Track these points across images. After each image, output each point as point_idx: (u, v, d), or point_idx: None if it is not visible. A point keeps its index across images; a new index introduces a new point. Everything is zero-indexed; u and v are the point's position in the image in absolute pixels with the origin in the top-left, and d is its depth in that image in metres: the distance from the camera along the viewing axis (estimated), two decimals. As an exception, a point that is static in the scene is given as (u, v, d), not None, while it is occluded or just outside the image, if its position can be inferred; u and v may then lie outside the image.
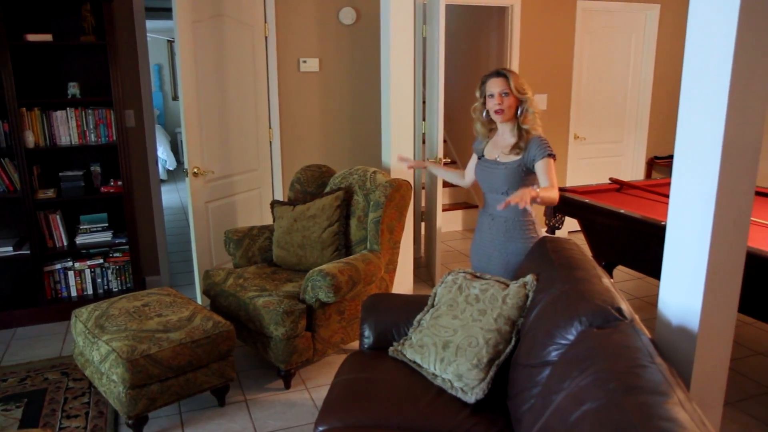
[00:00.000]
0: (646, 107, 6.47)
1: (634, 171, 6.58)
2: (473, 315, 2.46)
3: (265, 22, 4.75)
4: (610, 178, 4.60)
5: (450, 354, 2.40)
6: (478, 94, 2.91)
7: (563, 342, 1.98)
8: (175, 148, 10.90)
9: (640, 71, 6.42)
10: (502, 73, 2.81)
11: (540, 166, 2.77)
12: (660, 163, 6.58)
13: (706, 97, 1.87)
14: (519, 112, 2.82)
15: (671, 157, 6.60)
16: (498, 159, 2.91)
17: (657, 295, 4.71)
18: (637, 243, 3.78)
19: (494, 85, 2.80)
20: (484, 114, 2.92)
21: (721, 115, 1.80)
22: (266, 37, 4.78)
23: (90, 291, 4.42)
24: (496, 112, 2.82)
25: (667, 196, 4.03)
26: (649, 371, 1.59)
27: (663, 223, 3.39)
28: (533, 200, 2.56)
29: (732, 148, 1.82)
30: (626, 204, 3.96)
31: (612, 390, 1.53)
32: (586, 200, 4.00)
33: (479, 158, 3.03)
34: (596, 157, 6.38)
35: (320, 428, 2.20)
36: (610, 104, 6.38)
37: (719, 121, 1.81)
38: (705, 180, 1.88)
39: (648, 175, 6.63)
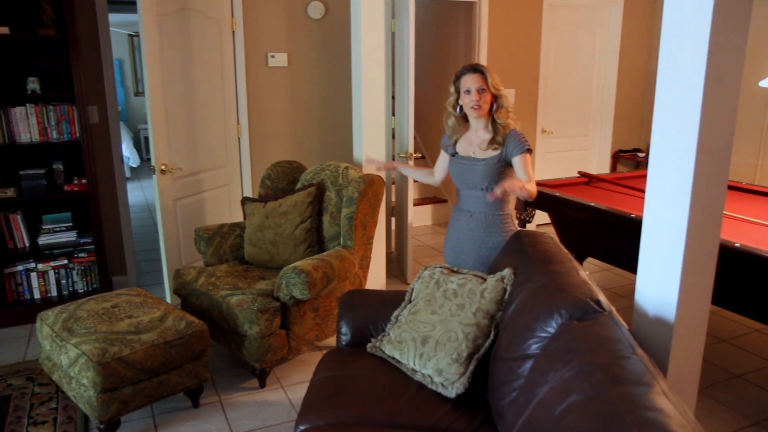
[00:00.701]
0: (611, 102, 6.58)
1: (599, 164, 6.68)
2: (452, 310, 2.46)
3: (232, 16, 4.67)
4: (579, 172, 4.66)
5: (429, 349, 2.40)
6: (452, 89, 2.90)
7: (543, 335, 2.00)
8: (139, 145, 10.67)
9: (605, 66, 6.52)
10: (479, 69, 2.81)
11: (518, 161, 2.80)
12: (625, 157, 6.70)
13: (681, 92, 1.89)
14: (494, 108, 2.83)
15: (636, 150, 6.74)
16: (474, 155, 2.91)
17: (625, 286, 4.81)
18: (606, 235, 3.84)
19: (471, 81, 2.80)
20: (458, 109, 2.92)
21: (696, 109, 1.83)
22: (233, 32, 4.70)
23: (54, 293, 4.29)
24: (473, 108, 2.82)
25: (635, 189, 4.15)
26: (632, 362, 1.61)
27: (632, 215, 3.46)
28: (520, 190, 2.60)
29: (707, 142, 1.86)
30: (595, 197, 4.02)
31: (597, 382, 1.54)
32: (557, 193, 4.05)
33: (452, 156, 3.02)
34: (563, 150, 6.46)
35: (301, 427, 2.18)
36: (576, 99, 6.47)
37: (694, 115, 1.84)
38: (681, 173, 1.91)
39: (613, 168, 6.74)
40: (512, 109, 2.87)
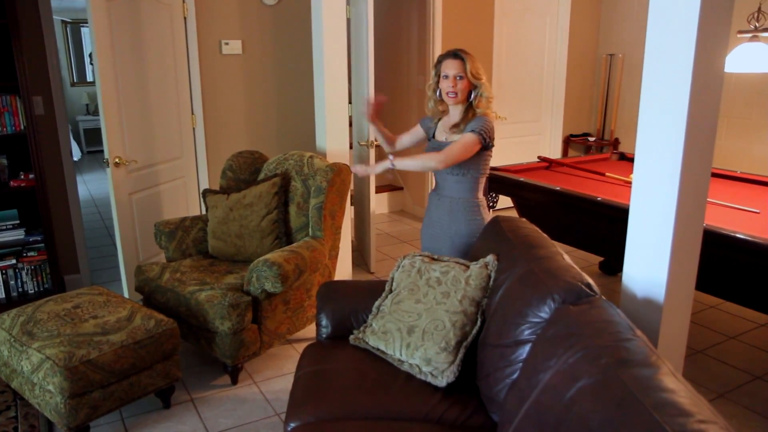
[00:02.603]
0: (561, 87, 6.69)
1: (552, 149, 6.80)
2: (437, 298, 2.44)
3: (184, 1, 4.49)
4: (539, 156, 4.72)
5: (416, 338, 2.38)
6: (433, 72, 2.88)
7: (536, 320, 2.00)
8: (78, 137, 10.22)
9: (555, 53, 6.62)
10: (459, 56, 2.78)
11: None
12: (576, 141, 6.84)
13: (670, 79, 1.92)
14: (472, 96, 2.82)
15: (586, 135, 6.89)
16: (447, 140, 2.90)
17: (588, 268, 4.90)
18: (570, 218, 3.91)
19: (449, 67, 2.77)
20: (438, 93, 2.89)
21: (685, 96, 1.86)
22: (185, 18, 4.53)
23: (2, 295, 4.05)
24: (447, 94, 2.80)
25: (595, 172, 4.23)
26: (635, 344, 1.63)
27: (598, 198, 3.53)
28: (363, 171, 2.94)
29: (695, 128, 1.89)
30: (558, 181, 4.08)
31: (605, 365, 1.55)
32: (521, 178, 4.08)
33: (429, 139, 3.00)
34: (517, 136, 6.53)
35: (292, 425, 2.12)
36: (528, 85, 6.54)
37: (683, 102, 1.87)
38: (670, 159, 1.95)
39: (565, 153, 6.87)
40: (492, 99, 2.85)
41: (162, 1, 4.29)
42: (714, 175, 4.34)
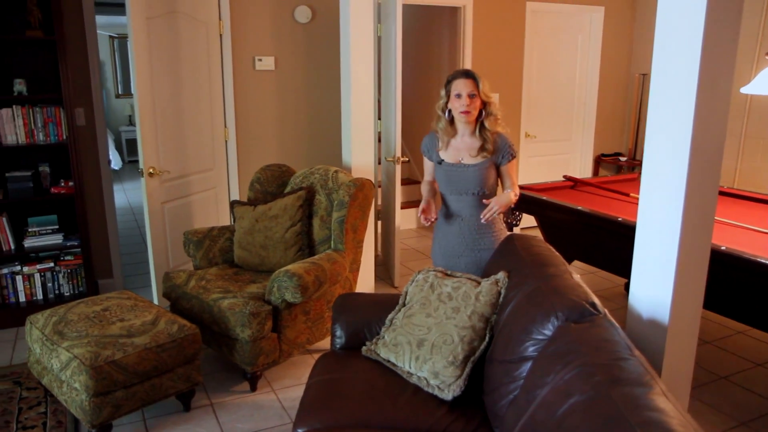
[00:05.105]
0: (593, 106, 6.68)
1: (582, 168, 6.78)
2: (447, 313, 2.49)
3: (220, 19, 4.67)
4: (564, 176, 4.72)
5: (425, 352, 2.43)
6: (443, 92, 2.93)
7: (540, 337, 2.03)
8: (120, 147, 10.57)
9: (586, 71, 6.62)
10: (471, 75, 2.85)
11: (506, 169, 2.95)
12: (606, 161, 6.80)
13: (674, 99, 1.95)
14: (483, 114, 2.88)
15: (617, 154, 6.85)
16: (463, 161, 2.94)
17: (611, 288, 4.88)
18: (592, 238, 3.90)
19: (462, 86, 2.83)
20: (447, 113, 2.95)
21: (689, 115, 1.88)
22: (221, 35, 4.70)
23: (40, 296, 4.24)
24: (462, 112, 2.85)
25: (620, 193, 4.22)
26: (631, 363, 1.65)
27: (619, 218, 3.52)
28: (506, 206, 2.85)
29: (700, 147, 1.91)
30: (581, 200, 4.09)
31: (598, 383, 1.58)
32: (544, 197, 4.10)
33: (438, 163, 3.04)
34: (546, 155, 6.55)
35: (299, 430, 2.19)
36: (558, 103, 6.56)
37: (687, 121, 1.89)
38: (675, 178, 1.97)
39: (595, 172, 6.84)
40: (501, 116, 2.92)
41: (199, 18, 4.47)
42: (740, 197, 4.30)
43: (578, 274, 2.35)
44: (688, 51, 1.87)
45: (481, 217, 2.85)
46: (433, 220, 2.94)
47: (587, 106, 6.70)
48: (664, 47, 1.97)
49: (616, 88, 6.79)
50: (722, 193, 4.36)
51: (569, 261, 4.49)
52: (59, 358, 2.79)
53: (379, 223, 5.57)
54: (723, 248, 2.95)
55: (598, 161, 6.85)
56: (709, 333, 4.16)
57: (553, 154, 6.61)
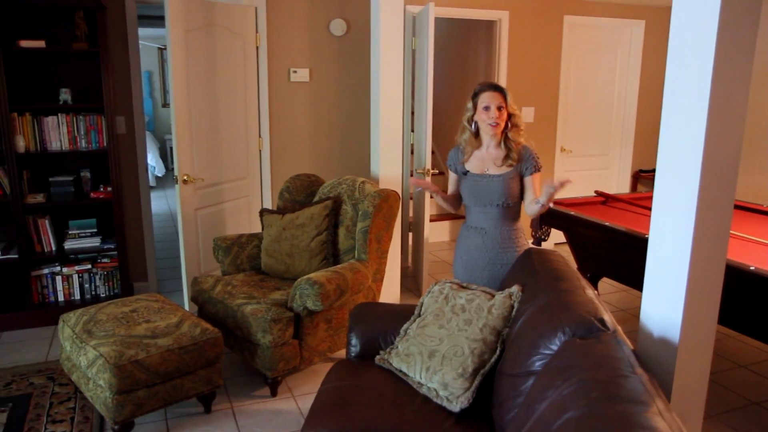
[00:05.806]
0: (632, 121, 6.57)
1: (619, 184, 6.66)
2: (459, 325, 2.50)
3: (257, 32, 4.79)
4: (596, 191, 4.67)
5: (436, 363, 2.44)
6: (469, 104, 2.95)
7: (547, 352, 2.02)
8: (165, 155, 10.89)
9: (625, 85, 6.53)
10: (500, 88, 2.88)
11: (530, 180, 2.94)
12: (645, 176, 6.67)
13: (686, 113, 1.93)
14: (509, 126, 2.90)
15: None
16: (489, 172, 2.95)
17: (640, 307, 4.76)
18: (621, 255, 3.84)
19: (491, 99, 2.86)
20: (473, 125, 2.97)
21: (701, 130, 1.86)
22: (257, 47, 4.82)
23: (77, 296, 4.41)
24: (490, 125, 2.87)
25: (650, 209, 4.13)
26: (630, 381, 1.63)
27: (647, 236, 3.45)
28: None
29: (712, 162, 1.88)
30: (611, 217, 4.03)
31: (594, 399, 1.57)
32: (572, 212, 4.06)
33: (463, 174, 3.05)
34: (583, 169, 6.46)
35: (307, 435, 2.22)
36: (596, 117, 6.47)
37: (699, 136, 1.87)
38: (686, 194, 1.94)
39: (633, 188, 6.72)
40: (524, 128, 2.94)
41: (236, 31, 4.60)
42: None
43: (594, 290, 2.33)
44: (700, 65, 1.85)
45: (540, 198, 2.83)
46: (420, 188, 2.98)
47: (625, 120, 6.60)
48: (676, 59, 1.95)
49: (656, 102, 6.65)
50: (755, 211, 4.24)
51: (599, 278, 4.43)
52: (86, 356, 2.90)
53: (410, 234, 5.60)
54: (752, 269, 2.88)
55: (637, 177, 6.73)
56: (745, 357, 4.03)
57: (589, 169, 6.52)
